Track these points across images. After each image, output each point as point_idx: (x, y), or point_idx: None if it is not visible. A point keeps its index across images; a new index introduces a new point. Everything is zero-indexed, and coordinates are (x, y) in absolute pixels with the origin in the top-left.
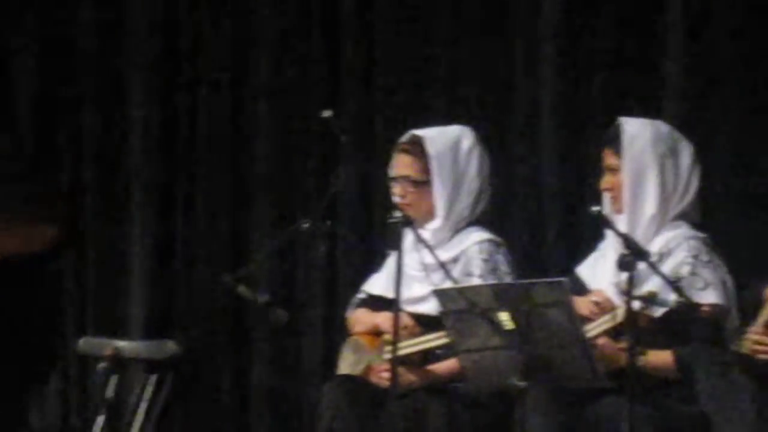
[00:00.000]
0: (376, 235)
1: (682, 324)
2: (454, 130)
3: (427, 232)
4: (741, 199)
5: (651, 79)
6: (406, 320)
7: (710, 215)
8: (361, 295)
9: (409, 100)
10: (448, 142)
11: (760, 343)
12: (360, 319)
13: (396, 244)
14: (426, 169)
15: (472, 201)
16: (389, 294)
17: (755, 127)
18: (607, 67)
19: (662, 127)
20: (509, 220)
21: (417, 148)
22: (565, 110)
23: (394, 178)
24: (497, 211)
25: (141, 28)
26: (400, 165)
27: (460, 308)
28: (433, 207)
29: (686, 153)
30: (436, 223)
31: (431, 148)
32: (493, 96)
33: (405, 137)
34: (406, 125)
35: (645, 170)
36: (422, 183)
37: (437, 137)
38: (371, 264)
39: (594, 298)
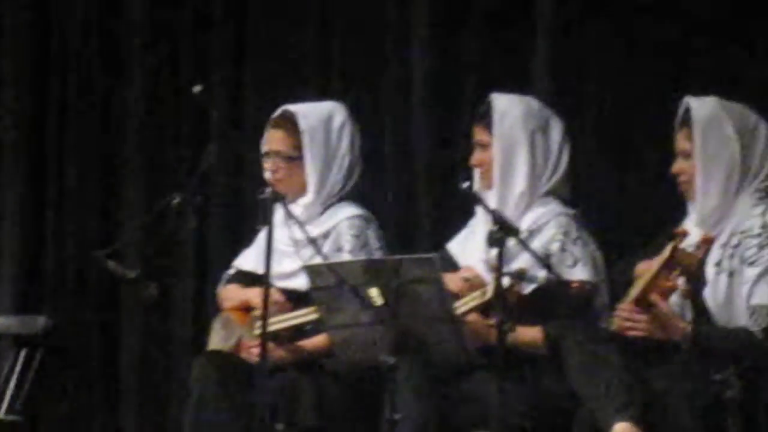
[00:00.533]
0: (246, 210)
1: (552, 300)
2: (326, 106)
3: (298, 207)
4: (610, 175)
5: (522, 56)
6: (276, 296)
7: (580, 191)
8: (231, 271)
9: (281, 75)
10: (320, 118)
11: (629, 320)
12: (230, 294)
13: (266, 220)
14: (298, 145)
15: (344, 176)
16: (260, 269)
17: (625, 104)
18: (479, 43)
19: (533, 103)
20: (380, 196)
21: (289, 124)
22: (437, 86)
23: (266, 153)
24: (368, 187)
25: (8, 8)
26: (272, 140)
27: (329, 284)
28: (305, 182)
29: (556, 129)
30: (307, 199)
31: (303, 124)
32: (364, 72)
33: (277, 112)
34: (277, 100)
35: (515, 146)
36: (294, 158)
37: (309, 113)
38: (242, 239)
39: (464, 274)
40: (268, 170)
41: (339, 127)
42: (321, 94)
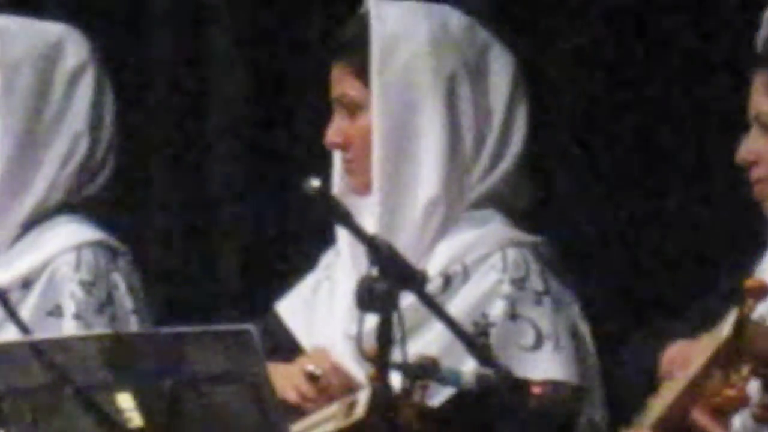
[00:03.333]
0: None
1: (489, 421)
2: (54, 29)
3: None
4: (612, 168)
5: None
6: None
7: (551, 198)
8: None
9: None
10: (36, 46)
11: None
12: None
13: None
14: None
15: (70, 173)
16: None
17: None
18: None
19: (452, 17)
20: (145, 207)
21: None
22: None
23: None
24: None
25: None
26: None
27: (36, 382)
28: None
29: (502, 71)
30: None
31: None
32: None
33: None
34: None
35: (416, 107)
36: None
37: (17, 32)
38: None
39: (309, 366)
40: None
41: (72, 72)
42: None
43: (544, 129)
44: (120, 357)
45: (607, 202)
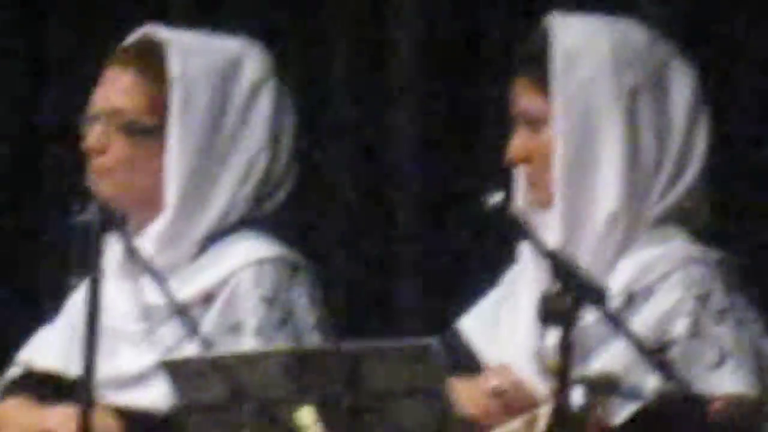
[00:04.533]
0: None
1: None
2: (231, 45)
3: (149, 238)
4: None
5: None
6: (106, 423)
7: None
8: (14, 372)
9: None
10: (214, 63)
11: None
12: (10, 417)
13: (87, 268)
14: (159, 105)
15: (250, 190)
16: (72, 369)
17: None
18: None
19: (634, 32)
20: (326, 222)
21: (148, 63)
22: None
23: (94, 117)
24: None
25: None
26: (112, 90)
27: (216, 399)
28: (161, 185)
29: (683, 85)
30: (164, 221)
31: (177, 66)
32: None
33: (133, 37)
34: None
35: (598, 120)
36: (145, 131)
37: (194, 48)
38: (36, 309)
39: (493, 382)
40: (89, 151)
41: (250, 89)
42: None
43: (726, 141)
44: (301, 372)
45: None
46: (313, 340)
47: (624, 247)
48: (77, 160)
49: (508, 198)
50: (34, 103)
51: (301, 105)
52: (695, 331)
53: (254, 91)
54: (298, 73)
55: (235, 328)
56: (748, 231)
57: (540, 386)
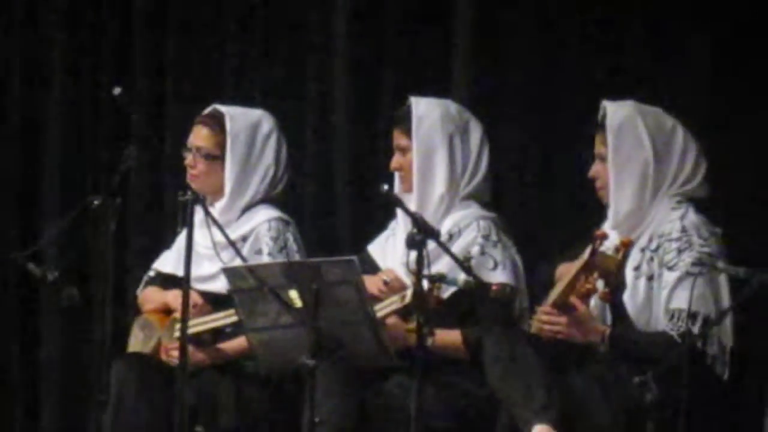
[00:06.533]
0: (166, 212)
1: (472, 304)
2: (255, 113)
3: (216, 209)
4: (531, 178)
5: (443, 55)
6: (195, 298)
7: (500, 195)
8: (151, 273)
9: (200, 77)
10: (248, 123)
11: (548, 323)
12: (150, 297)
13: (186, 222)
14: (221, 145)
15: (266, 186)
16: (179, 272)
17: (547, 104)
18: (398, 46)
19: (451, 106)
20: (300, 198)
21: (216, 123)
22: (357, 90)
23: (188, 149)
24: (289, 189)
25: None
26: (197, 136)
27: (249, 286)
28: (222, 184)
29: (476, 133)
30: (224, 201)
31: (229, 126)
32: (285, 74)
33: (207, 110)
34: (198, 102)
35: (434, 149)
36: (215, 157)
37: (237, 116)
38: (162, 242)
39: (384, 277)
40: (188, 164)
41: (265, 135)
42: (241, 99)
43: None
44: (290, 274)
45: None
46: (297, 258)
47: (447, 211)
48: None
49: (391, 187)
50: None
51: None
52: (482, 251)
53: (267, 137)
54: None
55: (258, 252)
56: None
57: (407, 280)
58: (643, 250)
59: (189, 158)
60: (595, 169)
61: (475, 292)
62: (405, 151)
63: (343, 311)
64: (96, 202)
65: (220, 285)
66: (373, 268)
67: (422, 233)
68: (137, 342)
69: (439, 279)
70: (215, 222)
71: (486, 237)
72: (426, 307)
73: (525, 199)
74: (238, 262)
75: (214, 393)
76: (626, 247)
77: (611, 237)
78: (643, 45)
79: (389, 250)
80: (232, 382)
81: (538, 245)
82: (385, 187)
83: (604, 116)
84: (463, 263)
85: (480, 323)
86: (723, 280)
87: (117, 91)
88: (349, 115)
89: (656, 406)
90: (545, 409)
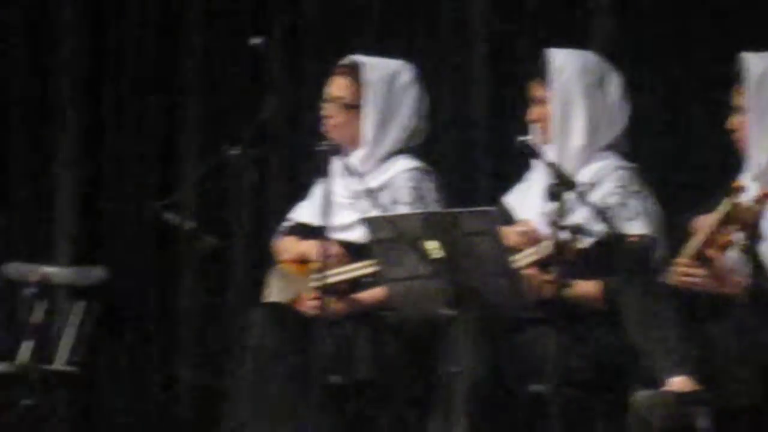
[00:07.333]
0: (304, 162)
1: (610, 254)
2: (394, 63)
3: (354, 159)
4: (670, 129)
5: (583, 10)
6: (333, 248)
7: (639, 146)
8: (288, 223)
9: (338, 27)
10: (386, 73)
11: (687, 274)
12: (287, 247)
13: (324, 172)
14: (359, 95)
15: (404, 136)
16: (316, 221)
17: (684, 58)
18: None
19: (590, 57)
20: (439, 149)
21: (354, 73)
22: (496, 41)
23: (326, 99)
24: (427, 141)
25: None
26: (335, 87)
27: (387, 236)
28: (360, 134)
29: (614, 84)
30: (362, 151)
31: (368, 75)
32: (422, 25)
33: (345, 60)
34: (336, 53)
35: (572, 101)
36: (353, 107)
37: (376, 66)
38: (299, 191)
39: (521, 228)
40: (326, 115)
41: (403, 86)
42: (380, 48)
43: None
44: (430, 223)
45: None
46: (434, 208)
47: (585, 161)
48: None
49: (529, 139)
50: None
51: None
52: (621, 202)
53: (405, 87)
54: None
55: (396, 202)
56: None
57: (545, 230)
58: None
59: (327, 109)
60: (735, 120)
61: (613, 242)
62: (543, 102)
63: (481, 262)
64: (234, 152)
65: (358, 234)
66: (510, 219)
67: (561, 184)
68: (274, 292)
69: (577, 230)
70: (353, 171)
71: (624, 187)
72: (564, 258)
73: (662, 149)
74: (376, 211)
75: (350, 343)
76: (766, 198)
77: (750, 189)
78: None
79: (527, 201)
80: (369, 332)
81: (675, 197)
82: (524, 138)
83: (744, 67)
84: (602, 214)
85: (618, 274)
86: None
87: (256, 40)
88: (488, 66)
89: None
90: (683, 360)
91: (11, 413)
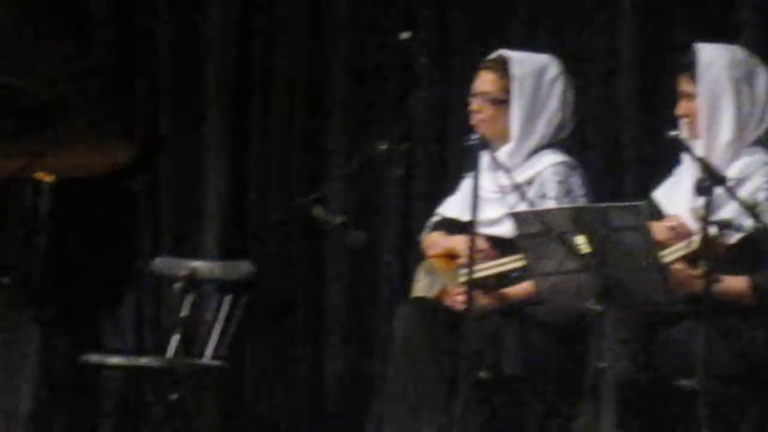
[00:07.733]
0: (452, 157)
1: (759, 250)
2: (541, 58)
3: (502, 154)
4: None
5: (729, 5)
6: (481, 243)
7: None
8: (436, 218)
9: (488, 22)
10: (534, 68)
11: None
12: (435, 242)
13: (472, 166)
14: (507, 89)
15: (551, 131)
16: (464, 216)
17: None
18: None
19: (738, 52)
20: (586, 144)
21: (502, 68)
22: (644, 35)
23: (473, 94)
24: (574, 134)
25: None
26: (483, 81)
27: (535, 231)
28: (508, 129)
29: (762, 78)
30: (510, 146)
31: (516, 70)
32: (571, 21)
33: (492, 55)
34: (484, 48)
35: (721, 95)
36: (501, 102)
37: (524, 60)
38: (447, 186)
39: (670, 223)
40: (474, 109)
41: (551, 80)
42: (527, 43)
43: None
44: (577, 218)
45: None
46: (581, 203)
47: (734, 156)
48: None
49: (678, 133)
50: None
51: None
52: None
53: (553, 81)
54: None
55: (543, 196)
56: None
57: (694, 226)
58: None
59: (475, 103)
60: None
61: (763, 238)
62: (691, 97)
63: (630, 257)
64: (382, 147)
65: (505, 229)
66: (658, 214)
67: (710, 179)
68: (422, 287)
69: (726, 225)
70: (501, 166)
71: None
72: (713, 253)
73: None
74: (523, 206)
75: (498, 338)
76: None
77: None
78: None
79: (675, 196)
80: (517, 327)
81: None
82: (673, 132)
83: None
84: (751, 209)
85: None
86: None
87: (405, 35)
88: (636, 60)
89: None
90: None
91: (160, 407)
